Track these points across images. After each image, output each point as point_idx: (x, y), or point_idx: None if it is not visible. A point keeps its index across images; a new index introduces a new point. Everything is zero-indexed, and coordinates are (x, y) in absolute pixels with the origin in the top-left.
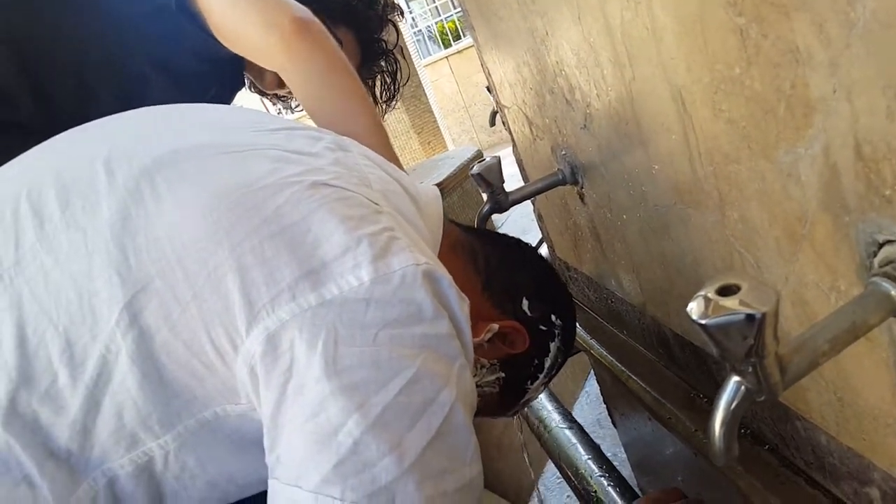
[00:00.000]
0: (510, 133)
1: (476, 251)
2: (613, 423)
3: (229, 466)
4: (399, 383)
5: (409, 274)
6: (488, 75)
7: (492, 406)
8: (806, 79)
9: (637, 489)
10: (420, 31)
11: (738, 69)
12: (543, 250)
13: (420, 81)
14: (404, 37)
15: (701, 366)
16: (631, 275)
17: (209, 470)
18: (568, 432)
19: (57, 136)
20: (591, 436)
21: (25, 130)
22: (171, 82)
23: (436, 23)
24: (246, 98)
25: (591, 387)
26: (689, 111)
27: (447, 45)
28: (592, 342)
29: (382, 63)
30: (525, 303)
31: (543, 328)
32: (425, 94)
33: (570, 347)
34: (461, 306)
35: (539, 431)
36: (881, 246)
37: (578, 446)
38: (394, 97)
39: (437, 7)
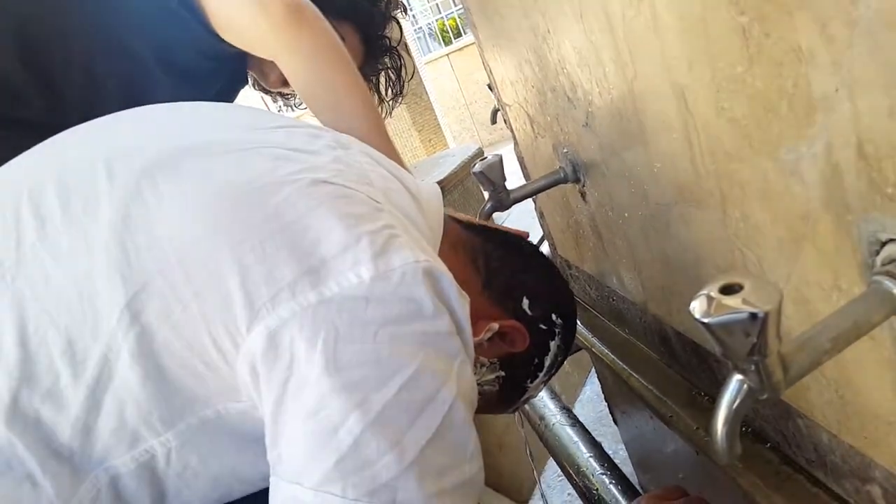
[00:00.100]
0: (512, 131)
1: (477, 249)
2: (614, 420)
3: (231, 463)
4: (399, 381)
5: (410, 271)
6: (490, 73)
7: (491, 404)
8: (808, 77)
9: (638, 487)
10: (420, 28)
11: (740, 68)
12: (545, 248)
13: (421, 79)
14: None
15: (702, 364)
16: (632, 273)
17: (211, 467)
18: (569, 430)
19: (58, 135)
20: (592, 434)
21: (35, 126)
22: (176, 79)
23: (436, 20)
24: (246, 96)
25: (592, 385)
26: (691, 109)
27: (448, 42)
28: (594, 340)
29: (386, 60)
30: (525, 302)
31: (544, 327)
32: (426, 92)
33: (570, 346)
34: (461, 304)
35: (540, 429)
36: (883, 245)
37: (580, 444)
38: (398, 94)
39: (437, 4)
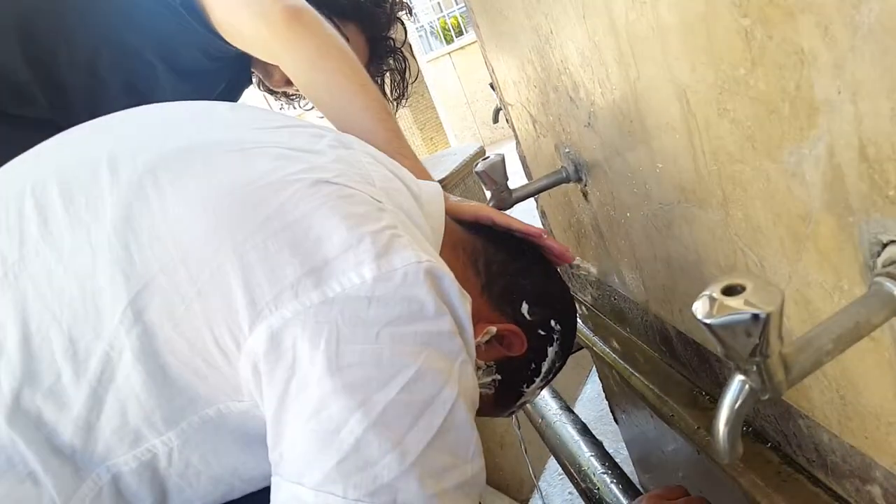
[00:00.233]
0: (514, 130)
1: (478, 252)
2: (615, 419)
3: (233, 462)
4: (401, 381)
5: (412, 272)
6: (492, 73)
7: (487, 407)
8: (811, 80)
9: (639, 486)
10: (422, 26)
11: (742, 69)
12: None
13: (422, 77)
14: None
15: (703, 363)
16: (634, 272)
17: (213, 466)
18: (570, 429)
19: (62, 133)
20: (593, 433)
21: (39, 123)
22: (179, 78)
23: (438, 19)
24: (248, 95)
25: (593, 384)
26: (693, 110)
27: (449, 41)
28: (595, 339)
29: (391, 61)
30: (525, 306)
31: (542, 333)
32: (428, 91)
33: (568, 353)
34: (463, 304)
35: (541, 428)
36: (885, 246)
37: (581, 443)
38: (403, 95)
39: (439, 3)
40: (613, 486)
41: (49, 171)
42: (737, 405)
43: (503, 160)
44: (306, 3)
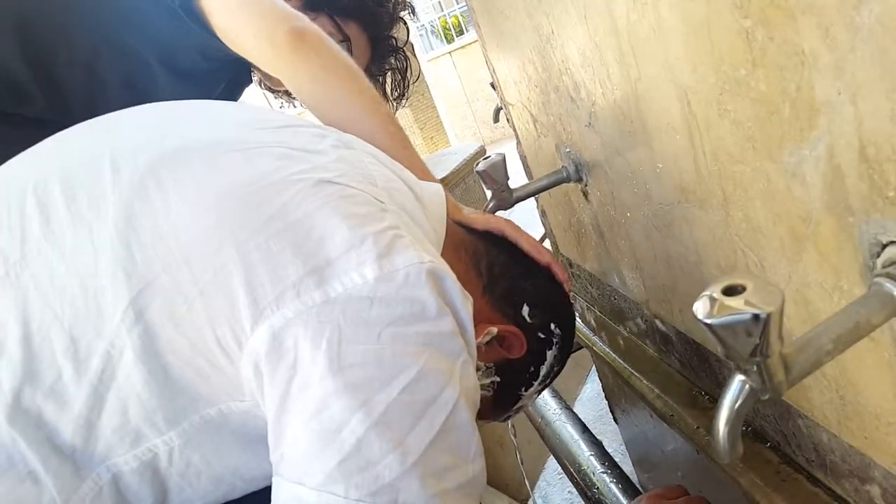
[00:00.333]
0: (514, 130)
1: (480, 254)
2: (615, 419)
3: (234, 462)
4: (402, 381)
5: (414, 272)
6: (493, 73)
7: (485, 410)
8: (811, 81)
9: (638, 486)
10: (423, 26)
11: (743, 70)
12: (546, 246)
13: (423, 77)
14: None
15: (703, 363)
16: (634, 272)
17: (214, 466)
18: (570, 428)
19: (64, 132)
20: (593, 432)
21: (38, 123)
22: (178, 79)
23: (438, 18)
24: (248, 93)
25: (593, 383)
26: (694, 111)
27: (450, 40)
28: (595, 339)
29: (392, 60)
30: (526, 309)
31: (542, 336)
32: (428, 90)
33: (566, 358)
34: (465, 304)
35: (541, 427)
36: (885, 247)
37: (580, 442)
38: (404, 94)
39: (439, 2)
40: (613, 486)
41: (51, 170)
42: (737, 405)
43: (504, 159)
44: (310, 23)
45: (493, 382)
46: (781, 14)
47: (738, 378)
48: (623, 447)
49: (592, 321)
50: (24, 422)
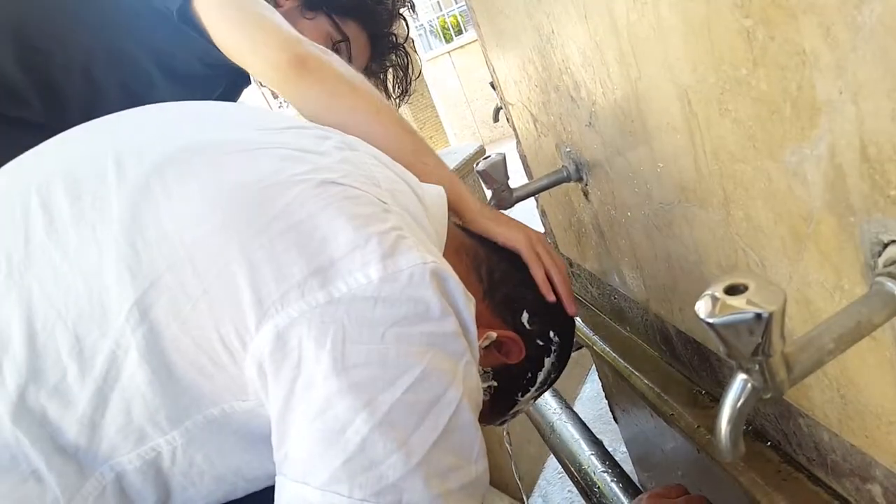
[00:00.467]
0: (514, 130)
1: (481, 258)
2: (615, 418)
3: (237, 462)
4: (406, 381)
5: (417, 273)
6: (493, 72)
7: (481, 414)
8: (812, 80)
9: (638, 485)
10: (422, 25)
11: (744, 70)
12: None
13: (422, 76)
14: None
15: (703, 362)
16: (635, 272)
17: (217, 465)
18: (570, 427)
19: (67, 132)
20: (593, 431)
21: (36, 127)
22: (176, 84)
23: (437, 17)
24: (247, 94)
25: (593, 382)
26: (694, 110)
27: (449, 39)
28: (595, 338)
29: (393, 57)
30: (525, 316)
31: (541, 343)
32: (427, 89)
33: (564, 365)
34: (467, 305)
35: (541, 426)
36: (886, 246)
37: (581, 442)
38: (406, 91)
39: (438, 2)
40: (613, 485)
41: (54, 170)
42: (739, 404)
43: (504, 159)
44: (311, 47)
45: (490, 387)
46: (782, 13)
47: (740, 377)
48: (623, 446)
49: (592, 321)
50: (28, 421)
